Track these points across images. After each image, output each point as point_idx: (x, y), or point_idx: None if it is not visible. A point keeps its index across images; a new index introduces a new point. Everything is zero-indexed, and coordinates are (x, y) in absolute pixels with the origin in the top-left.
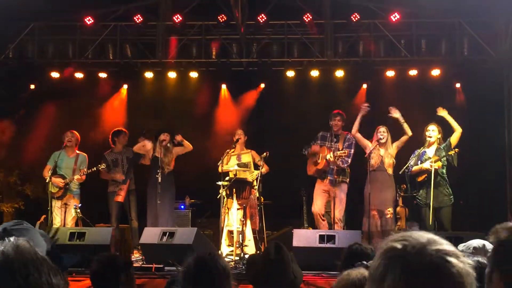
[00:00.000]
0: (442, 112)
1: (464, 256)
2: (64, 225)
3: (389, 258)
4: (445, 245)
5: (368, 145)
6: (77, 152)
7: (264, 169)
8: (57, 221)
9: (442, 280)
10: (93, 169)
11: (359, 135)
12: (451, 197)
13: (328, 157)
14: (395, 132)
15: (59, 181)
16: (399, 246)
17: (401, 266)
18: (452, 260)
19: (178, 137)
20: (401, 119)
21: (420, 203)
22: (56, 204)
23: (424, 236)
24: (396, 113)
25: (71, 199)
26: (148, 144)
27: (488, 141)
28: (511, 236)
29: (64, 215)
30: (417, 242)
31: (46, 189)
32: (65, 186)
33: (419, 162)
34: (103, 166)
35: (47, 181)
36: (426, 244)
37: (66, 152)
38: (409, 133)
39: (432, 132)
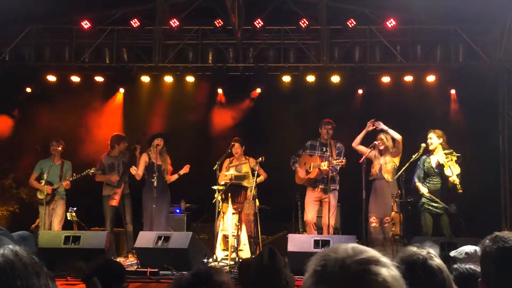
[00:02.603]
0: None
1: (388, 260)
2: (50, 229)
3: (314, 283)
4: (366, 253)
5: (365, 151)
6: (62, 160)
7: (262, 176)
8: (44, 226)
9: None
10: (82, 174)
11: (360, 147)
12: (451, 205)
13: (322, 165)
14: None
15: (48, 187)
16: (319, 268)
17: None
18: (375, 268)
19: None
20: (385, 128)
21: (421, 209)
22: (43, 210)
23: (343, 249)
24: (380, 125)
25: (59, 204)
26: (144, 157)
27: (483, 147)
28: (493, 246)
29: (50, 220)
30: (335, 258)
31: (33, 197)
32: (53, 192)
33: (418, 169)
34: (92, 170)
35: (45, 188)
36: (345, 257)
37: (52, 160)
38: (398, 136)
39: (430, 139)
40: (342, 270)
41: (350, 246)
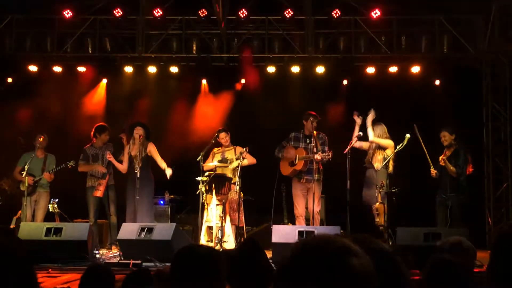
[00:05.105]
0: (358, 120)
1: (359, 249)
2: (32, 221)
3: (291, 268)
4: (337, 243)
5: (362, 146)
6: (45, 153)
7: (247, 161)
8: (26, 218)
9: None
10: (62, 166)
11: (359, 143)
12: (461, 196)
13: (317, 156)
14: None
15: (29, 179)
16: (296, 255)
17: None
18: (346, 257)
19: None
20: (367, 124)
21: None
22: (25, 201)
23: (322, 238)
24: (359, 119)
25: (43, 196)
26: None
27: (467, 138)
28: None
29: (33, 211)
30: (313, 247)
31: (16, 188)
32: (35, 184)
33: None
34: (71, 163)
35: (25, 179)
36: (322, 246)
37: (36, 153)
38: (370, 137)
39: (443, 137)
40: (317, 258)
41: (327, 236)
